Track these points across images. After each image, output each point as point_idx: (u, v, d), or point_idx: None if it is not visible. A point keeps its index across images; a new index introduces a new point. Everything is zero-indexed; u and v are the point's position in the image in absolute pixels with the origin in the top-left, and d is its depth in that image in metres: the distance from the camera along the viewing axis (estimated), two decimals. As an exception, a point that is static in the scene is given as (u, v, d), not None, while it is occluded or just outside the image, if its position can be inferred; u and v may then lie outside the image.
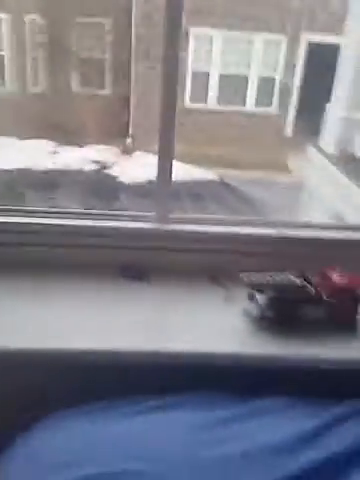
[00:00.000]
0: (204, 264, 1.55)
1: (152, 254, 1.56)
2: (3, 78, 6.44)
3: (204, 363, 1.26)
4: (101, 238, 1.56)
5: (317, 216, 3.93)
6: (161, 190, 1.57)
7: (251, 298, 1.41)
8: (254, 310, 1.38)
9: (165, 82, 1.45)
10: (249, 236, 1.61)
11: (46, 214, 1.57)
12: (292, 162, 5.95)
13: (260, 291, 1.39)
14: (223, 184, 6.04)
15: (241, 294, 1.44)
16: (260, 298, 1.37)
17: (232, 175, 6.11)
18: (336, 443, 1.05)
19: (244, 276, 1.39)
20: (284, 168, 6.05)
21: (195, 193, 5.77)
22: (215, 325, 1.37)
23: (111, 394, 1.20)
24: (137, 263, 1.55)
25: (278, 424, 1.12)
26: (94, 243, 1.55)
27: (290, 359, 1.27)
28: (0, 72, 6.35)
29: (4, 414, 1.23)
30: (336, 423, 1.10)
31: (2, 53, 6.28)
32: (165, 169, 1.54)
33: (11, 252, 1.50)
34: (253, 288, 1.40)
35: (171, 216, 1.61)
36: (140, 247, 1.57)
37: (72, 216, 1.59)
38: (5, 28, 6.21)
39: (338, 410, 1.13)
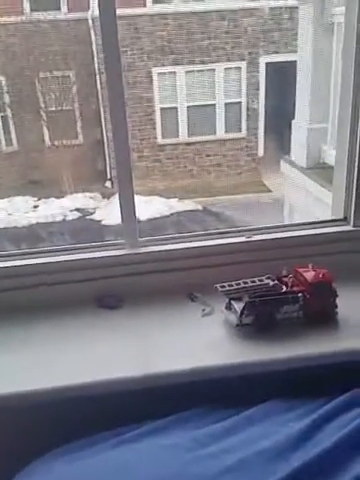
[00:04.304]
0: (179, 282, 1.54)
1: (126, 280, 1.55)
2: (-23, 143, 6.53)
3: (191, 380, 1.23)
4: (73, 272, 1.55)
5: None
6: (126, 214, 1.58)
7: (228, 307, 1.39)
8: (233, 319, 1.36)
9: (114, 122, 1.48)
10: (220, 247, 1.60)
11: (11, 257, 1.56)
12: (268, 180, 6.02)
13: (236, 299, 1.37)
14: (207, 212, 6.06)
15: (219, 306, 1.43)
16: (237, 306, 1.35)
17: (214, 202, 6.15)
18: (327, 440, 1.03)
19: (218, 286, 1.37)
20: (262, 187, 6.11)
21: (181, 225, 5.78)
22: (197, 340, 1.35)
23: (100, 426, 1.17)
24: (113, 291, 1.54)
25: (270, 430, 1.10)
26: (66, 278, 1.53)
27: (274, 362, 1.25)
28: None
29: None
30: (326, 420, 1.08)
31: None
32: (126, 193, 1.55)
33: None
34: (229, 297, 1.38)
35: (140, 239, 1.61)
36: (113, 275, 1.56)
37: (40, 255, 1.57)
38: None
39: (328, 407, 1.11)
